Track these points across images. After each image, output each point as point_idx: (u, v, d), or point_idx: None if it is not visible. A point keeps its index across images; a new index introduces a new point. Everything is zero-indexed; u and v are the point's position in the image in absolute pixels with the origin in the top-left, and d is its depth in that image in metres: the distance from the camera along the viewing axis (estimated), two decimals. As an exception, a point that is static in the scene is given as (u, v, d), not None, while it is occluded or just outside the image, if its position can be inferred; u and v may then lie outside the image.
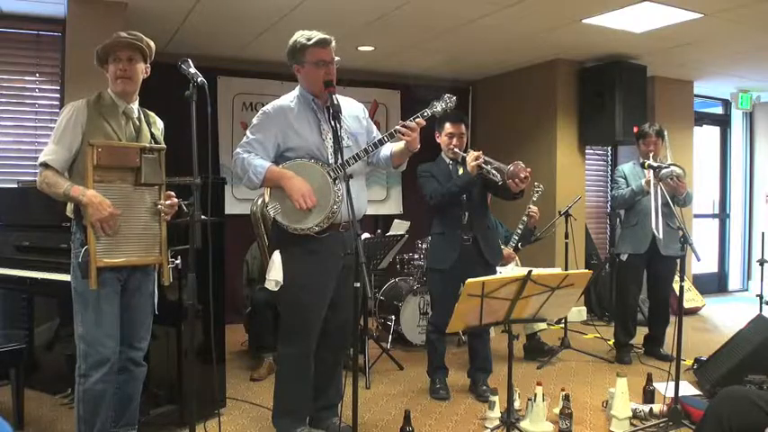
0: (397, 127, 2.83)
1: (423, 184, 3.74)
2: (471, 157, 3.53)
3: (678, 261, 4.51)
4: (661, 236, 4.02)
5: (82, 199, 2.39)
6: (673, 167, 4.09)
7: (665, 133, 4.47)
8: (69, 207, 2.55)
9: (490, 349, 3.84)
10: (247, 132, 2.85)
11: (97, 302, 2.46)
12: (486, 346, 3.81)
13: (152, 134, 2.65)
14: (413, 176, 3.81)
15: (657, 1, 4.35)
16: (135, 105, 2.62)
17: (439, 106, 2.90)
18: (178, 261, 2.67)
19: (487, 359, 3.79)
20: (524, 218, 4.63)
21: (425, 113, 2.88)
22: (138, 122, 2.62)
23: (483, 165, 3.50)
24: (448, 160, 3.78)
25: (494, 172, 3.47)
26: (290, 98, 2.90)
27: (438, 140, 3.78)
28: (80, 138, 2.46)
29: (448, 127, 3.72)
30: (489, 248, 3.70)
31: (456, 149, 3.70)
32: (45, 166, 2.45)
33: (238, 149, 2.81)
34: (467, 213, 3.66)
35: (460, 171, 3.69)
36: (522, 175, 3.34)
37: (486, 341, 3.83)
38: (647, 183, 4.23)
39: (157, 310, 2.71)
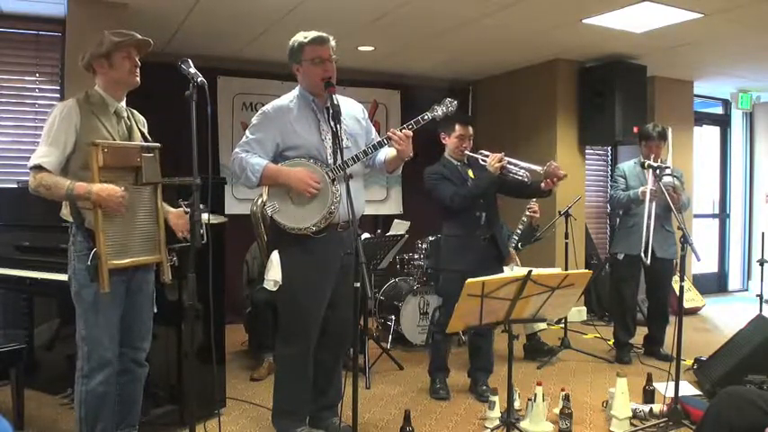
0: (389, 133, 2.82)
1: (436, 187, 3.64)
2: (494, 158, 3.51)
3: (676, 262, 4.52)
4: (651, 243, 4.10)
5: (90, 197, 2.31)
6: (673, 179, 4.07)
7: (669, 134, 4.47)
8: (65, 210, 2.48)
9: (493, 349, 3.84)
10: (246, 132, 2.85)
11: (100, 305, 2.44)
12: (490, 345, 3.80)
13: (141, 133, 2.62)
14: (413, 177, 3.80)
15: (657, 1, 4.35)
16: (123, 104, 2.57)
17: (440, 110, 2.89)
18: (175, 258, 2.66)
19: (489, 358, 3.79)
20: (524, 217, 4.62)
21: (426, 117, 2.87)
22: (128, 121, 2.58)
23: (507, 165, 3.52)
24: (455, 162, 3.74)
25: (521, 173, 3.48)
26: (289, 98, 2.89)
27: (444, 142, 3.75)
28: (74, 138, 2.38)
29: (458, 129, 3.68)
30: (503, 244, 3.78)
31: (467, 151, 3.69)
32: (39, 168, 2.35)
33: (237, 149, 2.81)
34: (484, 214, 3.64)
35: (470, 172, 3.68)
36: (562, 173, 3.40)
37: (490, 341, 3.81)
38: (644, 194, 4.24)
39: (156, 308, 2.69)
